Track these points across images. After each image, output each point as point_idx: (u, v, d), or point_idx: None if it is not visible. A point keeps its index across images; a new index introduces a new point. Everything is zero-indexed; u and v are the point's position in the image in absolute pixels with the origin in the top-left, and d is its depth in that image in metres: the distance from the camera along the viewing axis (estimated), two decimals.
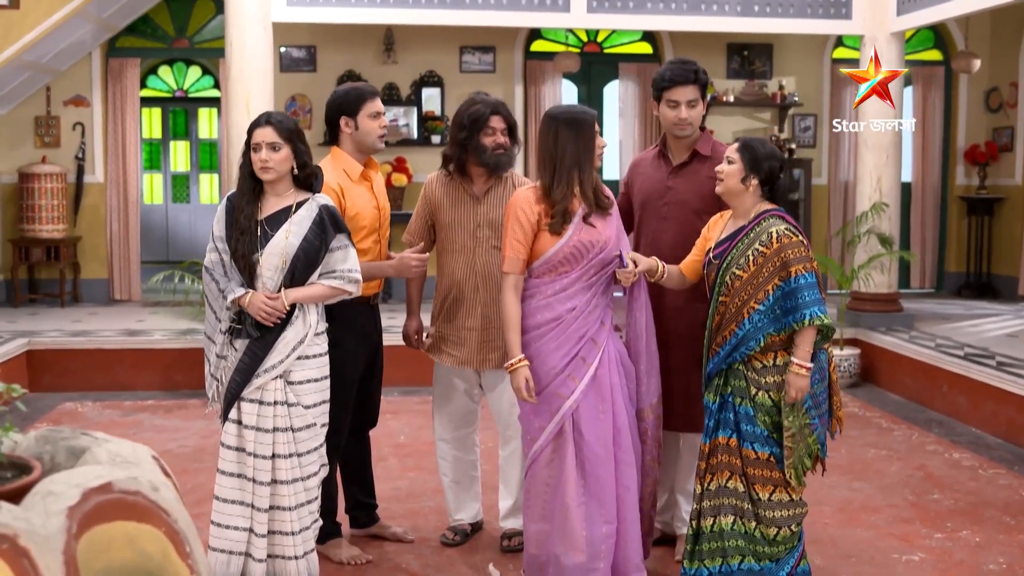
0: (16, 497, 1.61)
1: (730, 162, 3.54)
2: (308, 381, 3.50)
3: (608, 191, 3.66)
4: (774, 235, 3.43)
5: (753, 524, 3.48)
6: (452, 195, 4.05)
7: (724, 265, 3.50)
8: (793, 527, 3.50)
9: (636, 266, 3.56)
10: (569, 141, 3.51)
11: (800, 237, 3.46)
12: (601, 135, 3.68)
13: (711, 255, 3.58)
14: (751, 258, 3.44)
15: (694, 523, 3.59)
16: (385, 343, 4.19)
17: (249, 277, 3.46)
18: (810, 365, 3.40)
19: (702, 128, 3.95)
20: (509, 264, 3.55)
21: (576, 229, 3.51)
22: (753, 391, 3.46)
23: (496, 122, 3.96)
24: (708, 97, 3.93)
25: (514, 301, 3.54)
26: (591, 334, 3.52)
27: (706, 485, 3.56)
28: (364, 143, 3.95)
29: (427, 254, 4.00)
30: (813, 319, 3.37)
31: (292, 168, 3.50)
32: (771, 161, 3.53)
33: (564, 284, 3.53)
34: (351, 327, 3.82)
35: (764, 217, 3.50)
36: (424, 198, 4.14)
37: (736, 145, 3.56)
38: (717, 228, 3.65)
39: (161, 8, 9.43)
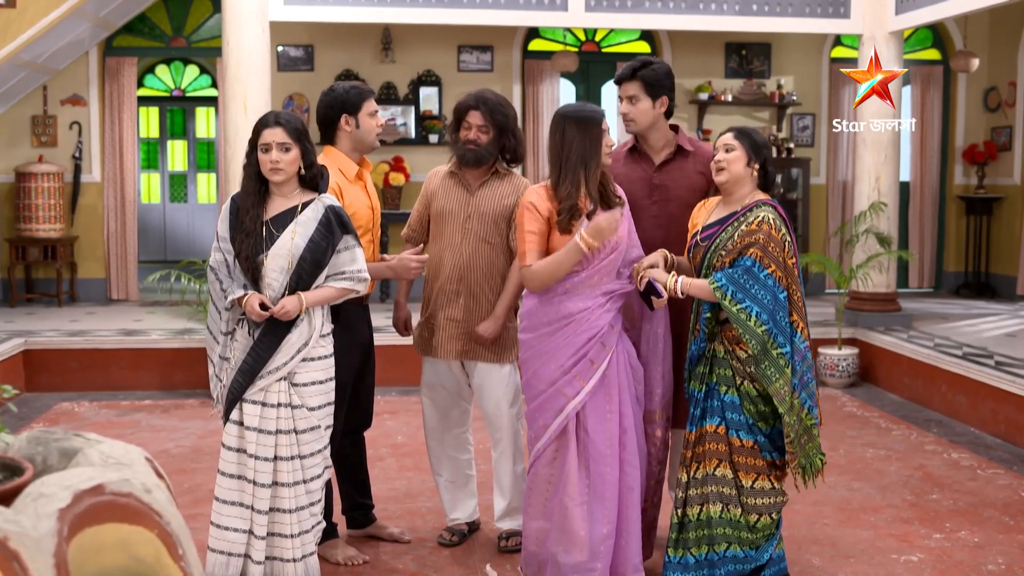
0: (7, 499, 1.60)
1: (729, 149, 3.53)
2: (313, 383, 3.48)
3: (620, 190, 3.65)
4: (760, 218, 3.44)
5: (739, 511, 3.50)
6: (447, 186, 4.09)
7: (712, 247, 3.51)
8: (773, 515, 3.52)
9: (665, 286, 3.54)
10: (575, 139, 3.51)
11: (783, 233, 3.45)
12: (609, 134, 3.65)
13: (698, 238, 3.58)
14: (736, 239, 3.45)
15: (679, 511, 3.59)
16: (383, 343, 4.17)
17: (253, 279, 3.44)
18: (676, 287, 3.46)
19: (674, 128, 3.94)
20: (530, 257, 3.53)
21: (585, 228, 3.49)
22: (739, 380, 3.48)
23: (474, 117, 3.99)
24: (665, 97, 3.85)
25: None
26: (600, 336, 3.51)
27: (692, 473, 3.57)
28: (363, 141, 3.95)
29: (426, 255, 3.99)
30: (718, 289, 3.39)
31: (299, 168, 3.49)
32: (766, 149, 3.57)
33: (575, 283, 3.52)
34: (343, 327, 3.80)
35: (757, 205, 3.51)
36: (423, 190, 4.20)
37: (732, 133, 3.56)
38: (702, 215, 3.66)
39: (158, 7, 9.40)
